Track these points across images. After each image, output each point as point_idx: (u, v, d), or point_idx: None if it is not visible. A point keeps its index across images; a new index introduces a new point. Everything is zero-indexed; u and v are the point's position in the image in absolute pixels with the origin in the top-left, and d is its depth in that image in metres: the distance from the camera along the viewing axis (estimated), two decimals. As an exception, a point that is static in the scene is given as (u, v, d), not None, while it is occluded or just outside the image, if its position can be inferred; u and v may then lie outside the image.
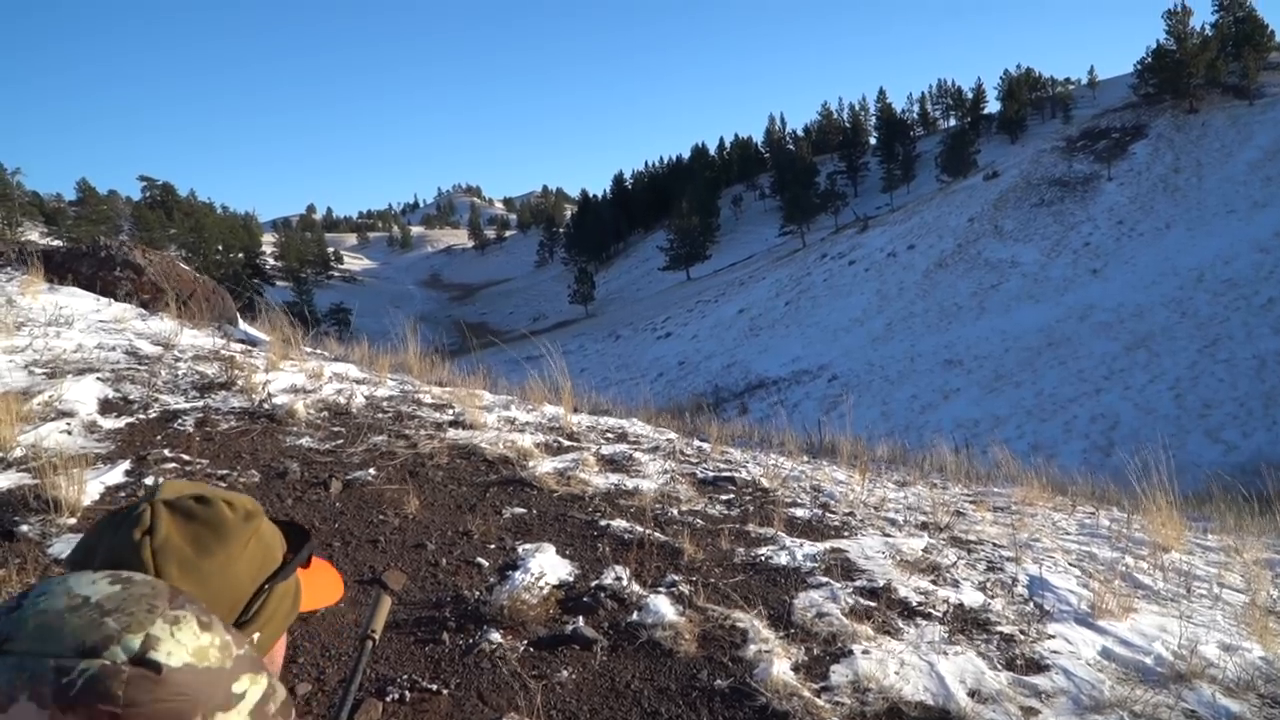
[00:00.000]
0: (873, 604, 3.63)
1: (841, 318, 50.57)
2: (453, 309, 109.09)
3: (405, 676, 2.90)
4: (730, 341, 53.44)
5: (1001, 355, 40.99)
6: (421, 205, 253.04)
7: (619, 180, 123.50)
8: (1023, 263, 49.66)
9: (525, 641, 3.17)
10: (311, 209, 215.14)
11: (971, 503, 6.58)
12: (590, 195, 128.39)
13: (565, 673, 3.00)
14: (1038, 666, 3.29)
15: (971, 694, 3.01)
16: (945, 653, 3.29)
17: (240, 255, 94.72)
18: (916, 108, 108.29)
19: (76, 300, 7.93)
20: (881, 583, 3.89)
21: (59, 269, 9.06)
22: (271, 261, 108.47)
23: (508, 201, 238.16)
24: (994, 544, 5.11)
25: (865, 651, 3.22)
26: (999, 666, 3.26)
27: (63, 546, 3.54)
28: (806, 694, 2.92)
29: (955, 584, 4.10)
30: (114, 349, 6.45)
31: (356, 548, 3.84)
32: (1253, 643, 3.75)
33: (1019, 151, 72.29)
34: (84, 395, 5.18)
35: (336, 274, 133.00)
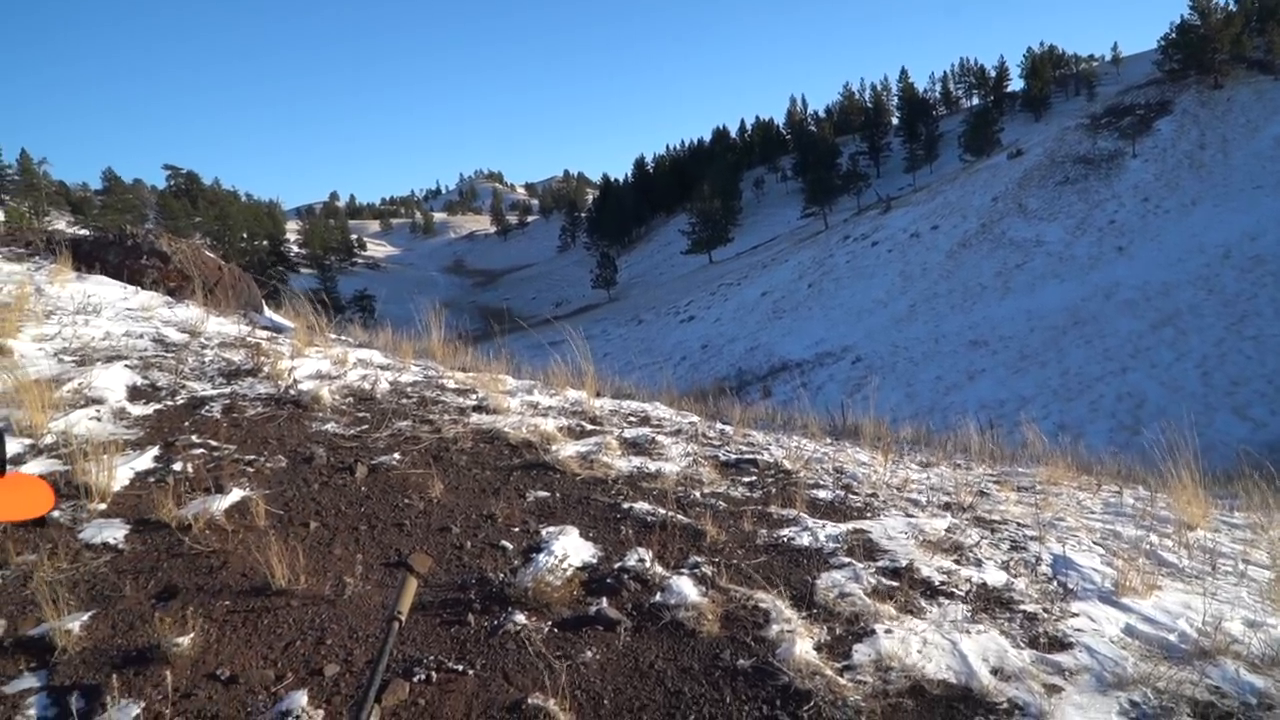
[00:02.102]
0: (895, 584, 3.63)
1: (865, 299, 50.32)
2: (476, 295, 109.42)
3: (432, 657, 2.94)
4: (753, 324, 53.32)
5: (1027, 335, 40.67)
6: (444, 191, 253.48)
7: (640, 164, 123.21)
8: (1047, 241, 49.19)
9: (550, 623, 3.20)
10: (335, 196, 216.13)
11: (995, 483, 6.55)
12: (611, 179, 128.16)
13: (589, 653, 3.03)
14: (1061, 644, 3.29)
15: (994, 672, 3.01)
16: (968, 631, 3.30)
17: (265, 243, 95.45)
18: (939, 87, 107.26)
19: (104, 289, 8.02)
20: (904, 563, 3.89)
21: (87, 258, 9.16)
22: (296, 249, 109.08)
23: (529, 187, 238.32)
24: (1018, 523, 5.09)
25: (888, 631, 3.23)
26: (1022, 645, 3.25)
27: (93, 531, 3.60)
28: (829, 673, 2.93)
29: (978, 563, 4.09)
30: (141, 336, 6.53)
31: (383, 531, 3.89)
32: (1278, 619, 3.72)
33: (1043, 129, 71.48)
34: (113, 382, 5.25)
35: (360, 261, 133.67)
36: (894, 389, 37.05)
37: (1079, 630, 3.43)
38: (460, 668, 2.89)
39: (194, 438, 4.68)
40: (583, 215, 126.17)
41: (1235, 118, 55.46)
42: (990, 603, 3.61)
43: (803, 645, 3.06)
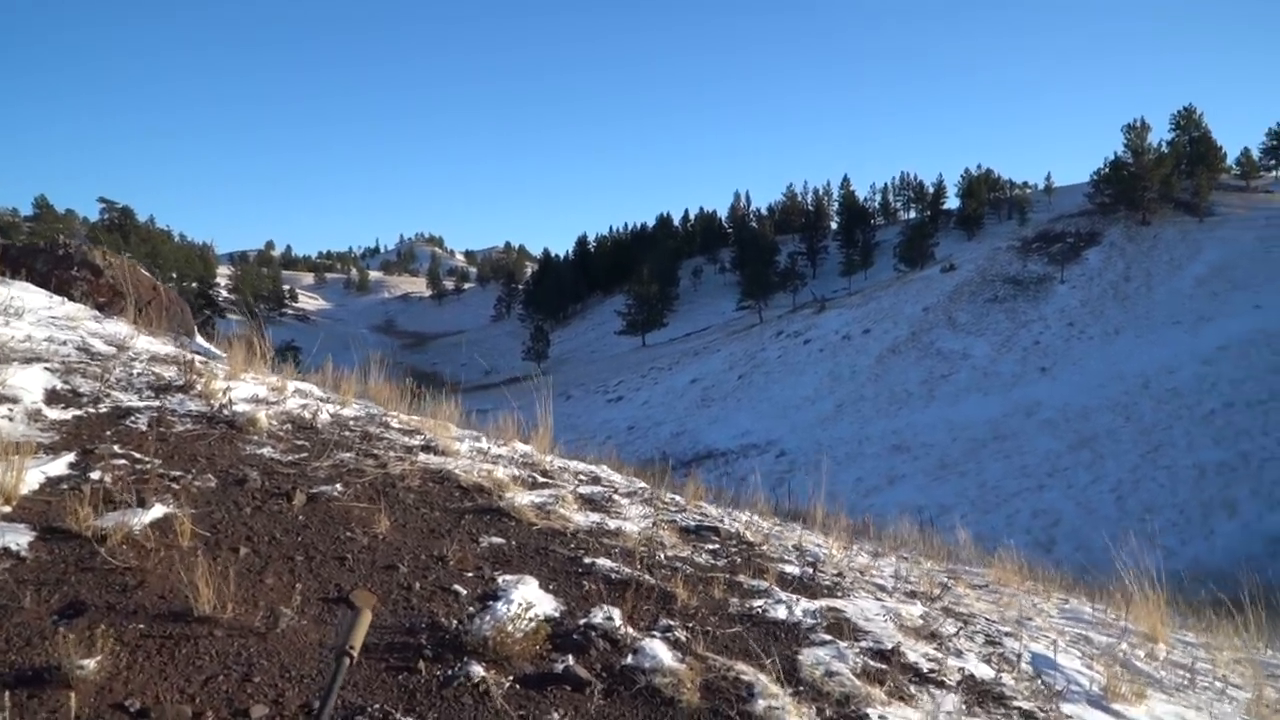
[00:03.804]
0: (883, 667, 3.35)
1: (793, 395, 50.70)
2: (404, 356, 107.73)
3: (377, 706, 2.56)
4: (681, 410, 53.25)
5: (948, 444, 41.29)
6: (382, 250, 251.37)
7: (582, 242, 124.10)
8: (974, 355, 50.36)
9: (511, 678, 2.84)
10: (270, 245, 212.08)
11: (949, 578, 6.36)
12: (552, 254, 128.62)
13: (555, 715, 2.68)
14: (1062, 746, 3.03)
15: (1000, 770, 2.74)
16: (964, 726, 3.02)
17: (194, 285, 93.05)
18: (879, 197, 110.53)
19: (29, 295, 7.48)
20: (889, 645, 3.62)
21: (13, 263, 8.60)
22: (225, 294, 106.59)
23: (469, 254, 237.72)
24: (986, 619, 4.88)
25: (882, 717, 2.94)
26: (1022, 744, 2.99)
27: (-7, 535, 3.15)
28: (826, 757, 2.63)
29: (959, 654, 3.84)
30: (65, 344, 6.04)
31: (322, 564, 3.49)
32: (1271, 738, 3.53)
33: (975, 248, 73.87)
34: (30, 383, 4.78)
35: (290, 312, 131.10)
36: (816, 486, 37.00)
37: (1077, 732, 3.19)
38: (410, 720, 2.52)
39: (116, 448, 4.23)
40: (520, 287, 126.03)
41: (1160, 254, 57.96)
42: (983, 696, 3.35)
43: (793, 725, 2.75)
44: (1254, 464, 32.96)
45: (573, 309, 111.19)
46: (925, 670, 3.47)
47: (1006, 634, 4.49)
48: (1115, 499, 32.90)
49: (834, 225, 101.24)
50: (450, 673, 2.80)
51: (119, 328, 7.22)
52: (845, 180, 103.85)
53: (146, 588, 3.02)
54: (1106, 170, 68.43)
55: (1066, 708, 3.44)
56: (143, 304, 8.59)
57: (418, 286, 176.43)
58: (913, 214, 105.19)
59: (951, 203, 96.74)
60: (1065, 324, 51.54)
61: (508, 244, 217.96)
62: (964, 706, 3.18)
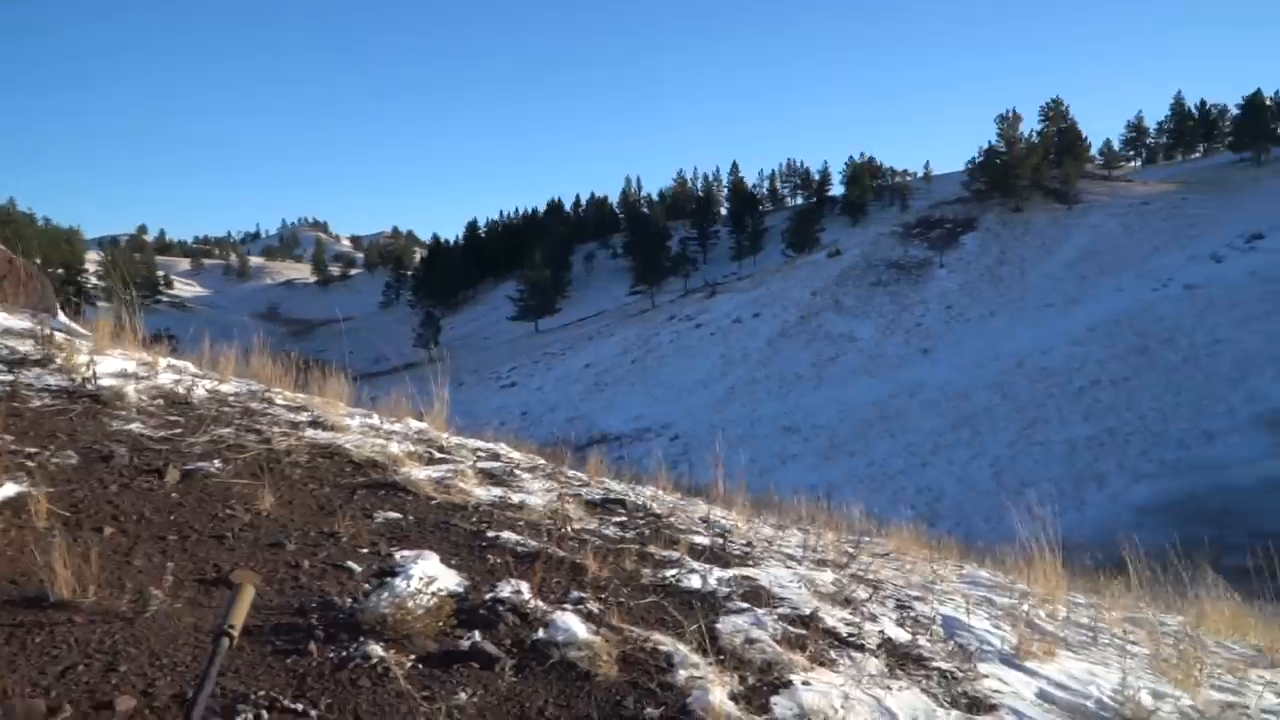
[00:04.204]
0: (803, 632, 3.23)
1: (686, 379, 51.05)
2: (289, 344, 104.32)
3: (261, 693, 2.30)
4: (575, 395, 53.06)
5: (837, 425, 42.20)
6: (264, 235, 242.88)
7: (472, 227, 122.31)
8: (860, 338, 51.58)
9: (412, 657, 2.60)
10: (143, 230, 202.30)
11: (852, 548, 6.34)
12: (442, 240, 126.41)
13: (463, 695, 2.46)
14: (984, 706, 2.96)
15: (928, 732, 2.64)
16: (889, 688, 2.92)
17: (60, 271, 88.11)
18: (767, 184, 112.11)
19: None
20: (806, 611, 3.51)
21: None
22: (95, 280, 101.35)
23: (355, 240, 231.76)
24: (894, 584, 4.84)
25: (805, 683, 2.81)
26: (945, 704, 2.90)
27: None
28: (753, 726, 2.48)
29: (874, 618, 3.76)
30: (-99, 316, 5.49)
31: (198, 543, 3.17)
32: (1179, 691, 3.54)
33: (860, 234, 75.62)
34: None
35: (165, 299, 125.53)
36: (710, 467, 37.33)
37: (997, 691, 3.12)
38: (299, 707, 2.26)
39: (-42, 423, 3.81)
40: (409, 273, 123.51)
41: (1032, 239, 60.29)
42: (902, 659, 3.26)
43: (717, 694, 2.59)
44: (1119, 438, 34.64)
45: (464, 295, 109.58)
46: (844, 635, 3.38)
47: (915, 598, 4.45)
48: (994, 474, 34.13)
49: (724, 211, 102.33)
50: (345, 654, 2.55)
51: (-32, 302, 6.63)
52: (734, 167, 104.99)
53: (-8, 572, 2.68)
54: (981, 159, 70.76)
55: (982, 667, 3.38)
56: (-3, 278, 7.94)
57: (302, 273, 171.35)
58: (800, 200, 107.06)
59: (837, 189, 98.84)
60: (945, 307, 53.18)
61: (396, 229, 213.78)
62: (885, 669, 3.08)
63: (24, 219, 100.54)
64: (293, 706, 2.26)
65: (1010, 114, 70.22)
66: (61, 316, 8.81)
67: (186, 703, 2.01)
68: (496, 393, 57.06)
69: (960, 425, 39.17)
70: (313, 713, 2.25)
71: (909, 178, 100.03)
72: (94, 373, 4.88)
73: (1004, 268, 56.99)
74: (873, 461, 37.56)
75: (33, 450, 3.69)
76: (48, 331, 5.84)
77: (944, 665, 3.27)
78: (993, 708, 2.95)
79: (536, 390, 56.02)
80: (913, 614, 4.07)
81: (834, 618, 3.56)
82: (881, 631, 3.50)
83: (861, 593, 4.16)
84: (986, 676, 3.29)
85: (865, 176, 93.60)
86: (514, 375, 60.88)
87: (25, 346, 5.35)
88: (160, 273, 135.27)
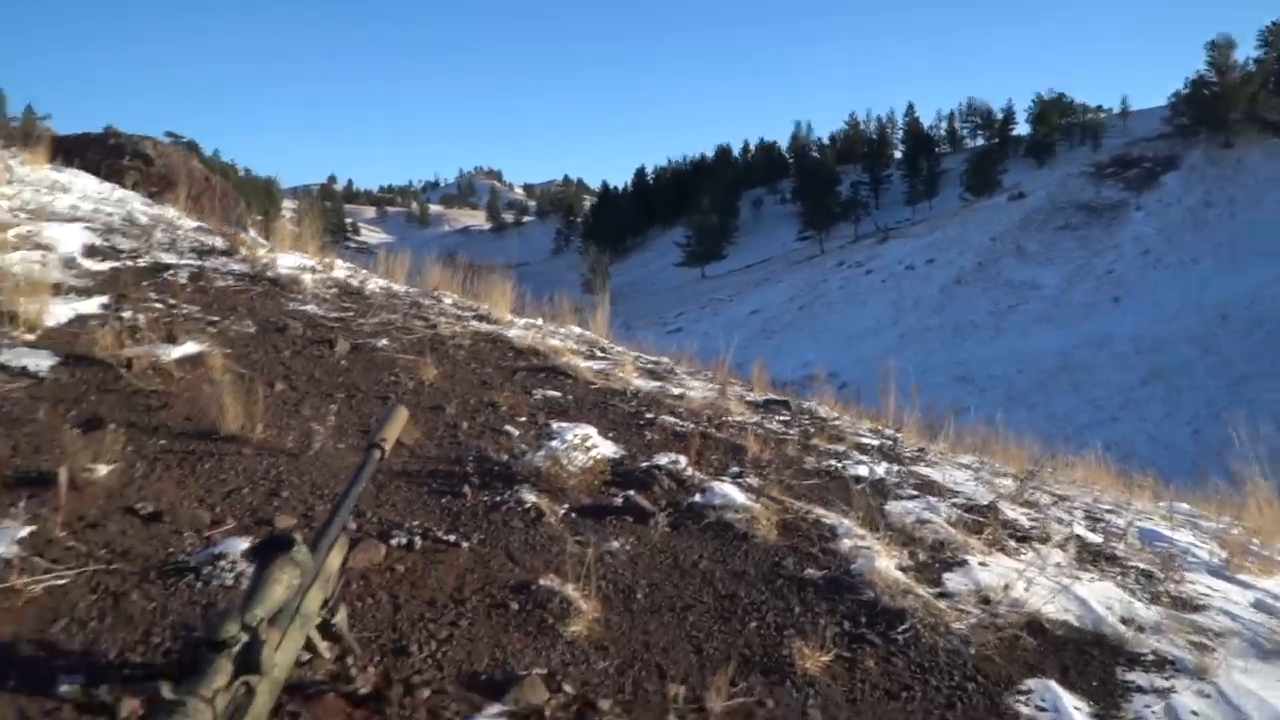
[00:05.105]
0: (980, 519, 3.00)
1: (855, 326, 49.83)
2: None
3: (416, 523, 2.28)
4: (741, 341, 52.64)
5: (1014, 376, 40.29)
6: (442, 184, 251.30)
7: (640, 174, 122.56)
8: (1043, 285, 48.90)
9: (565, 506, 2.55)
10: (333, 179, 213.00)
11: (1034, 469, 5.96)
12: (611, 187, 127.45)
13: (616, 543, 2.38)
14: (1191, 605, 2.67)
15: (1125, 622, 2.38)
16: (1078, 578, 2.66)
17: (260, 218, 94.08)
18: (944, 125, 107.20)
19: (80, 179, 7.29)
20: (984, 502, 3.27)
21: (67, 153, 8.44)
22: (293, 229, 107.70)
23: (528, 188, 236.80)
24: (1082, 501, 4.48)
25: (982, 564, 2.60)
26: (1144, 600, 2.63)
27: (11, 356, 2.92)
28: (924, 594, 2.30)
29: (1060, 521, 3.47)
30: (111, 215, 5.84)
31: (363, 401, 3.22)
32: None
33: (1046, 175, 71.31)
34: (67, 237, 4.57)
35: (353, 245, 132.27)
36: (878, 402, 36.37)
37: (1206, 595, 2.81)
38: (451, 539, 2.24)
39: (151, 294, 4.01)
40: (579, 220, 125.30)
41: (1245, 178, 55.18)
42: (1094, 556, 2.98)
43: (884, 563, 2.43)
44: (1346, 400, 31.63)
45: (631, 241, 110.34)
46: (1025, 527, 3.12)
47: (1107, 511, 4.10)
48: (1192, 433, 31.77)
49: (898, 154, 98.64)
50: (499, 499, 2.52)
51: (168, 211, 7.02)
52: (910, 108, 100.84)
53: (171, 409, 2.78)
54: (1187, 91, 65.10)
55: (1188, 575, 3.05)
56: (195, 194, 8.39)
57: (477, 220, 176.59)
58: (980, 141, 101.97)
59: (1021, 129, 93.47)
60: (1140, 252, 49.65)
61: (566, 177, 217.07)
62: (1074, 563, 2.82)
63: (228, 170, 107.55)
64: (445, 537, 2.24)
65: (1223, 39, 64.16)
66: (252, 232, 9.28)
67: (335, 498, 2.00)
68: (662, 338, 57.17)
69: (1153, 379, 36.66)
70: (464, 544, 2.22)
71: (1103, 114, 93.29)
72: (274, 261, 5.07)
73: (1210, 210, 52.60)
74: (1053, 415, 35.62)
75: (214, 319, 3.85)
76: (234, 231, 6.11)
77: (1142, 566, 2.97)
78: (1199, 608, 2.66)
79: (702, 336, 55.97)
80: (1105, 525, 3.75)
81: (1015, 513, 3.31)
82: (1070, 531, 3.22)
83: (1045, 499, 3.87)
84: (1193, 583, 2.97)
85: (1053, 114, 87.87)
86: (680, 321, 61.03)
87: (215, 242, 5.61)
88: (348, 220, 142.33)
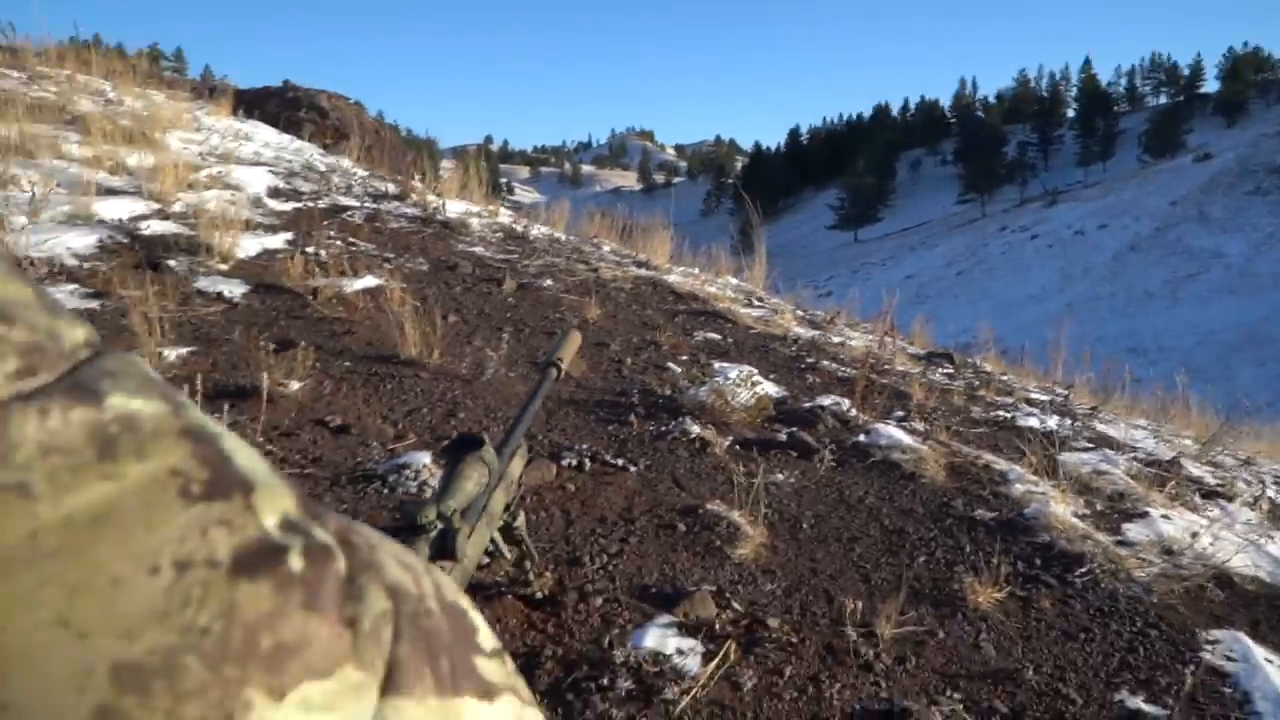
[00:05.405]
0: (1163, 473, 2.85)
1: (1017, 293, 47.84)
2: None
3: (586, 446, 2.34)
4: (895, 307, 51.46)
5: (1191, 348, 37.89)
6: (594, 145, 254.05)
7: (794, 134, 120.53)
8: (1228, 254, 45.69)
9: (730, 439, 2.55)
10: (489, 139, 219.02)
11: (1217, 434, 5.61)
12: (763, 147, 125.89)
13: (781, 475, 2.38)
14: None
15: (1323, 580, 2.23)
16: (1271, 537, 2.50)
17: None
18: (1124, 81, 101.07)
19: (260, 130, 7.71)
20: (1167, 457, 3.10)
21: (247, 106, 8.92)
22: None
23: (679, 148, 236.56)
24: (1272, 467, 4.20)
25: (1165, 516, 2.47)
26: (1347, 562, 2.44)
27: (209, 283, 3.13)
28: (1103, 540, 2.20)
29: (1249, 482, 3.26)
30: (291, 161, 6.15)
31: (530, 335, 3.31)
32: None
33: (1236, 135, 66.34)
34: (254, 180, 4.84)
35: (507, 204, 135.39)
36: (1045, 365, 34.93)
37: None
38: (620, 462, 2.28)
39: (332, 233, 4.21)
40: (730, 181, 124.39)
41: None
42: (1287, 515, 2.78)
43: (1060, 508, 2.33)
44: None
45: (784, 203, 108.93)
46: (1211, 485, 2.94)
47: (1302, 477, 3.82)
48: (1395, 415, 29.27)
49: (1071, 113, 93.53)
50: (665, 428, 2.54)
51: (342, 160, 7.34)
52: (1086, 63, 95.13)
53: (355, 335, 2.92)
54: None
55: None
56: (367, 145, 8.74)
57: (629, 181, 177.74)
58: (1163, 99, 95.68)
59: (1210, 86, 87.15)
60: (1341, 220, 45.79)
61: (718, 137, 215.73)
62: (1265, 522, 2.64)
63: (391, 130, 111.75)
64: (614, 461, 2.28)
65: None
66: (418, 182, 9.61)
67: (516, 410, 2.06)
68: (813, 301, 56.60)
69: (1349, 355, 33.94)
70: (632, 468, 2.26)
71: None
72: (443, 206, 5.24)
73: None
74: (1234, 389, 33.48)
75: (390, 256, 4.01)
76: (405, 179, 6.34)
77: (1343, 529, 2.77)
78: None
79: (852, 301, 54.99)
80: (1299, 490, 3.50)
81: (1199, 470, 3.13)
82: (1261, 492, 3.02)
83: (1230, 460, 3.64)
84: None
85: (1247, 70, 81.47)
86: (830, 285, 59.84)
87: (387, 188, 5.84)
88: (503, 180, 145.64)
